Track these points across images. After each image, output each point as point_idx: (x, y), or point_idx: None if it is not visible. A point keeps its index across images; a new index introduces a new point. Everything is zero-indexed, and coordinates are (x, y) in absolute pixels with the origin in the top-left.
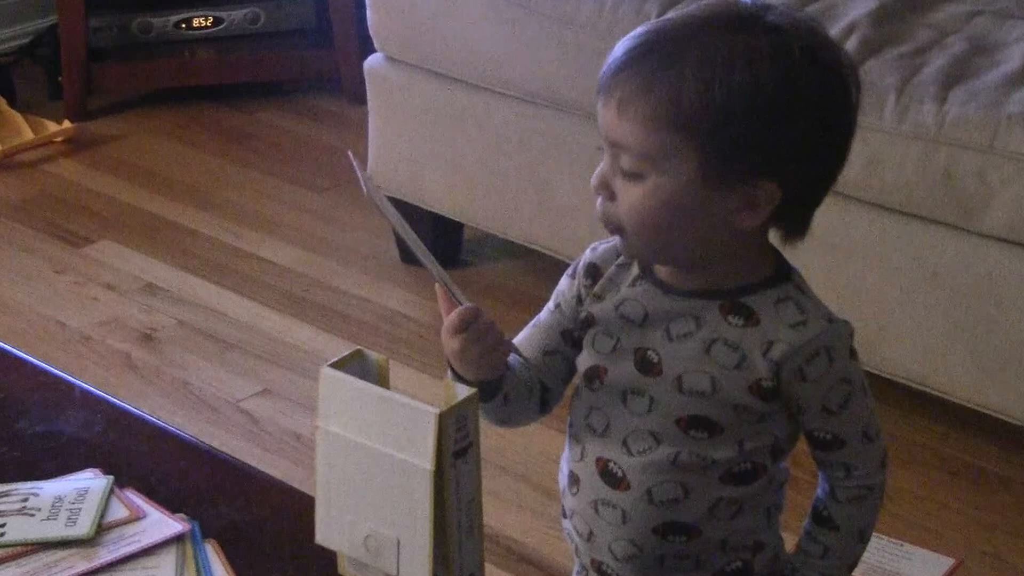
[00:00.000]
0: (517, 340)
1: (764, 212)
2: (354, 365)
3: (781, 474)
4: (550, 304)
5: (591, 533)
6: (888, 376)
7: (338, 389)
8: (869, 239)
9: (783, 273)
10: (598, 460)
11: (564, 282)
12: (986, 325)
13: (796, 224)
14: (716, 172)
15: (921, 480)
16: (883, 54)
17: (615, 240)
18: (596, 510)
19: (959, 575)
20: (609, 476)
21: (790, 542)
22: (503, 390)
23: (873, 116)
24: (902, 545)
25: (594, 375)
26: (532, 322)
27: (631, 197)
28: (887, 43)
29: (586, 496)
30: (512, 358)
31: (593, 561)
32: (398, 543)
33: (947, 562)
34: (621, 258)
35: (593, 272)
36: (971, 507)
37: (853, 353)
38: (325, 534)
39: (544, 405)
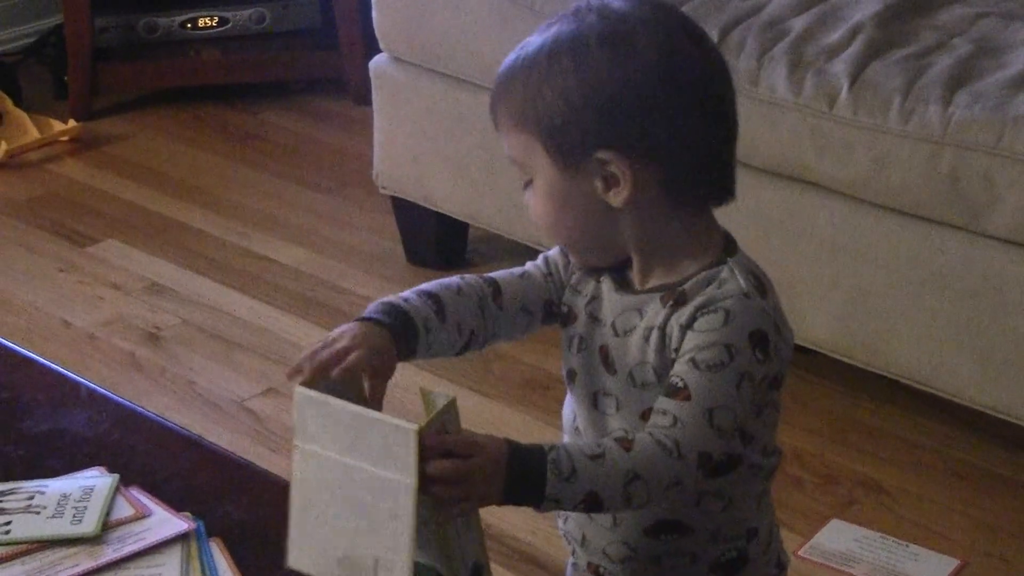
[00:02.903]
0: (498, 275)
1: (628, 185)
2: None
3: (767, 461)
4: (542, 266)
5: (584, 537)
6: (893, 377)
7: (312, 409)
8: (875, 240)
9: (722, 258)
10: None
11: (560, 258)
12: (992, 326)
13: (695, 190)
14: (560, 155)
15: (926, 481)
16: (889, 56)
17: None
18: (589, 515)
19: None
20: None
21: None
22: (418, 350)
23: (879, 118)
24: (907, 546)
25: (572, 377)
26: (518, 271)
27: (532, 205)
28: (892, 45)
29: None
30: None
31: (590, 564)
32: (376, 562)
33: (952, 563)
34: None
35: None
36: (976, 508)
37: (759, 342)
38: (298, 556)
39: (466, 350)
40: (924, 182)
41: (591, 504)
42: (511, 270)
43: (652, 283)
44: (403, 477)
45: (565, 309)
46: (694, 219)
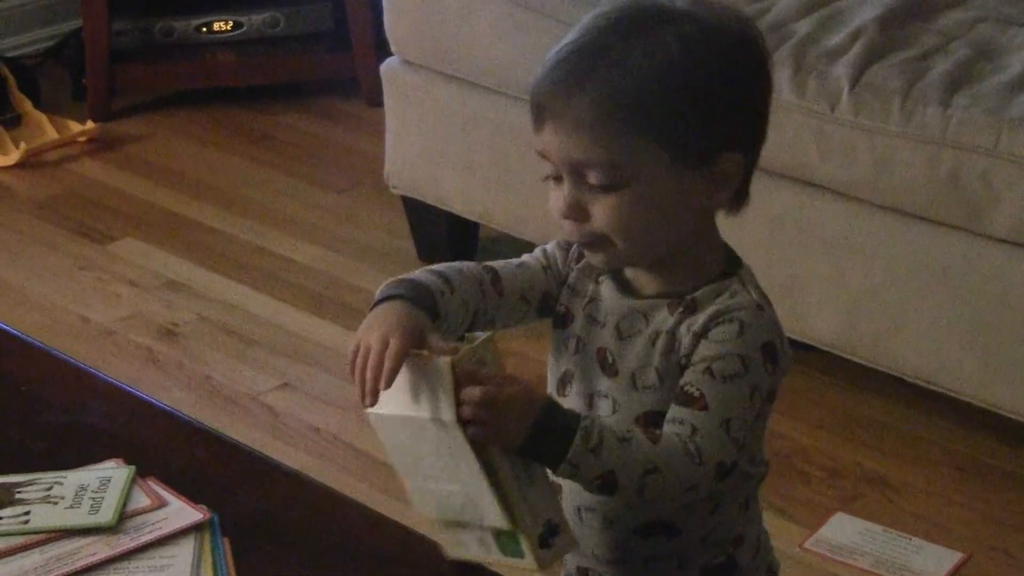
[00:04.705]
0: (496, 264)
1: (734, 184)
2: None
3: (755, 470)
4: (540, 258)
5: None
6: (898, 374)
7: None
8: (878, 240)
9: (730, 270)
10: None
11: (558, 252)
12: (993, 324)
13: (746, 191)
14: (686, 161)
15: (930, 476)
16: (889, 58)
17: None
18: (580, 516)
19: (967, 569)
20: None
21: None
22: (438, 314)
23: (879, 119)
24: (911, 539)
25: (566, 380)
26: (516, 261)
27: (611, 209)
28: (893, 48)
29: (569, 503)
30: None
31: (579, 568)
32: (467, 496)
33: (955, 556)
34: None
35: (579, 257)
36: (979, 502)
37: (770, 354)
38: (418, 504)
39: (471, 329)
40: (925, 183)
41: (606, 483)
42: (509, 260)
43: (653, 289)
44: (445, 415)
45: (562, 310)
46: (713, 226)
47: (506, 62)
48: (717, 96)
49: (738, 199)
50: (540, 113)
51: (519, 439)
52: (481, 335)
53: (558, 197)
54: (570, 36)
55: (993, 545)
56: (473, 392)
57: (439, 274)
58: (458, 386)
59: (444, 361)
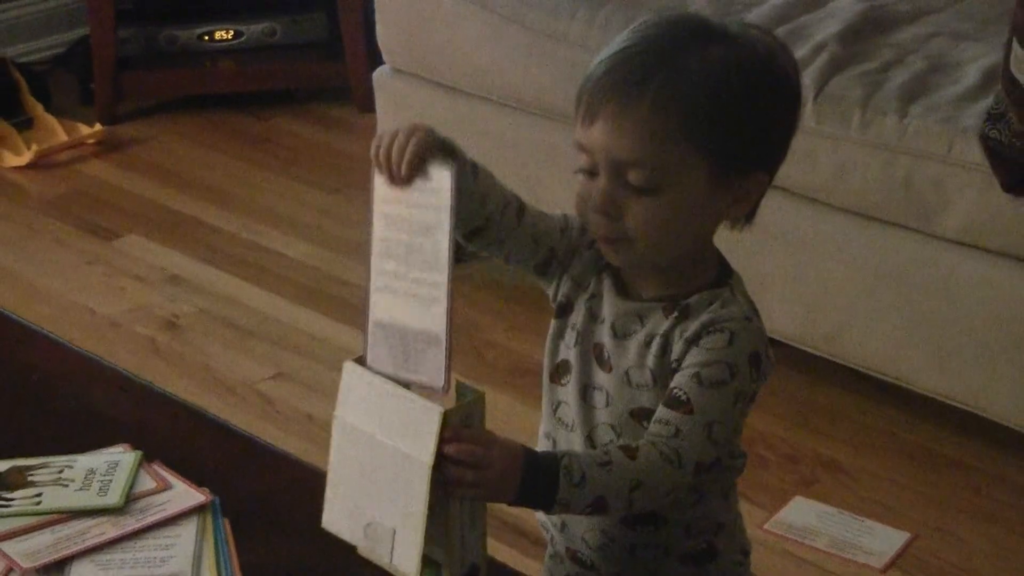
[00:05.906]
0: (527, 201)
1: (753, 202)
2: None
3: (734, 463)
4: (561, 220)
5: (564, 523)
6: (851, 365)
7: (357, 381)
8: (836, 240)
9: (723, 278)
10: None
11: (577, 224)
12: (941, 319)
13: (754, 211)
14: (723, 174)
15: (880, 461)
16: (849, 70)
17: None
18: None
19: (914, 548)
20: None
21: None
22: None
23: (840, 127)
24: (863, 521)
25: (564, 368)
26: (541, 210)
27: (645, 211)
28: (853, 60)
29: None
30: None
31: (568, 549)
32: (394, 533)
33: (903, 536)
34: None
35: (591, 243)
36: (926, 487)
37: (755, 363)
38: (331, 518)
39: (476, 235)
40: (881, 187)
41: (597, 508)
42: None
43: (651, 292)
44: (421, 455)
45: (563, 300)
46: (712, 234)
47: (490, 70)
48: (762, 117)
49: (747, 218)
50: (593, 109)
51: (511, 496)
52: (473, 389)
53: (589, 191)
54: (624, 40)
55: (938, 526)
56: (461, 449)
57: (472, 163)
58: (443, 437)
59: (436, 409)
